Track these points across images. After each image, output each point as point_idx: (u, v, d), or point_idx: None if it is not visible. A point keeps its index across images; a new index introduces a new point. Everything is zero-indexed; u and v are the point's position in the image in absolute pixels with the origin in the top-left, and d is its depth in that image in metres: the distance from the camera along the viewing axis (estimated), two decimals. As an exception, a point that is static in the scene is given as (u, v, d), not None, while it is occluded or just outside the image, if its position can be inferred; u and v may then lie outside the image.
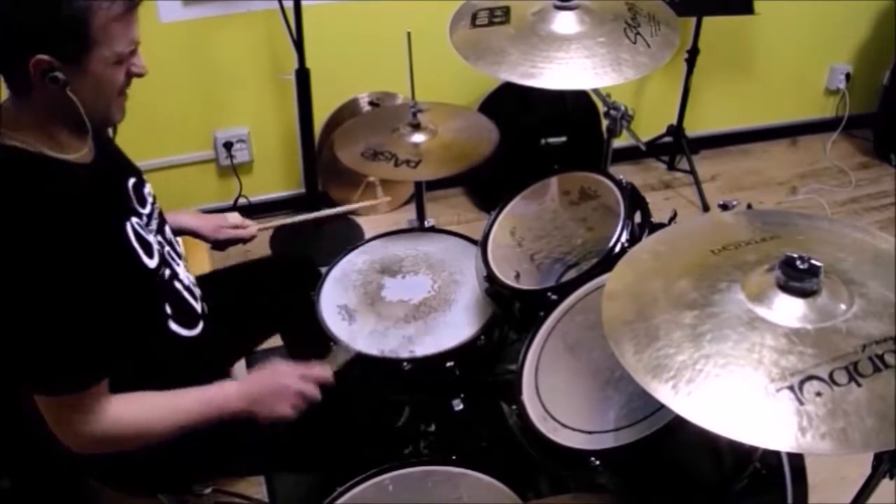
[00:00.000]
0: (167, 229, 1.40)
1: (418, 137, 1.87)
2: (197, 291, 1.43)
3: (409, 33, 1.80)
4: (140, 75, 1.18)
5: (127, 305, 1.18)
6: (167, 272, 1.30)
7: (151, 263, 1.24)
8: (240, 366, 1.74)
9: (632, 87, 3.07)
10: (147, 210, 1.33)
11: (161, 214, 1.39)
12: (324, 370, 1.36)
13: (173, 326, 1.31)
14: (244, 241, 1.70)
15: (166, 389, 1.24)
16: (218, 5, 2.47)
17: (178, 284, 1.35)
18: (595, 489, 1.31)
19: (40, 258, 1.06)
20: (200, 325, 1.39)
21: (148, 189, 1.37)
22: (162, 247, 1.32)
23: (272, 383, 1.31)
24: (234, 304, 1.61)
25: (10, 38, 1.05)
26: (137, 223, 1.24)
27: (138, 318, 1.23)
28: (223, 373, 1.57)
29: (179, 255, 1.42)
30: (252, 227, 1.70)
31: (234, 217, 1.70)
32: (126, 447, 1.21)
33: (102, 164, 1.23)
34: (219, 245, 1.68)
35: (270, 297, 1.68)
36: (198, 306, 1.41)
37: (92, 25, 1.06)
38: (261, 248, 2.69)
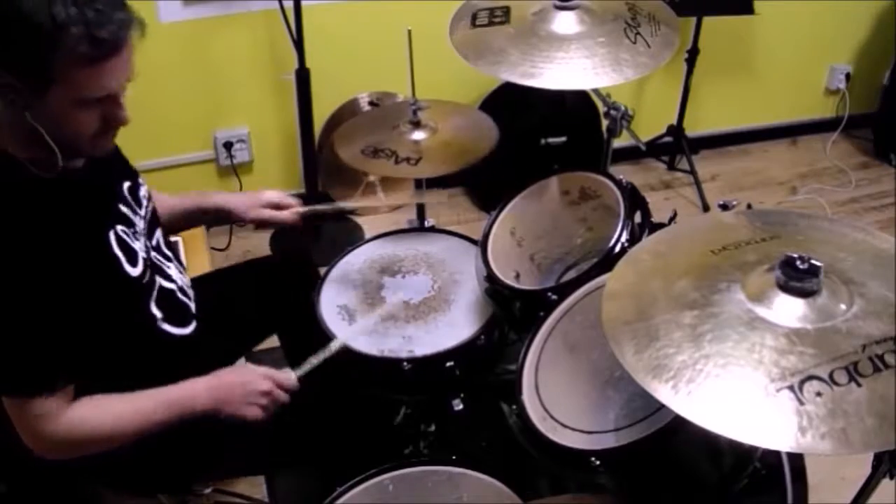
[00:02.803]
0: (158, 231, 1.40)
1: (418, 135, 1.87)
2: (190, 291, 1.43)
3: (409, 30, 1.80)
4: (119, 125, 1.15)
5: (103, 311, 1.18)
6: (154, 276, 1.30)
7: (134, 271, 1.23)
8: (240, 364, 1.74)
9: (632, 87, 3.07)
10: (142, 212, 1.32)
11: (154, 215, 1.39)
12: (288, 376, 1.34)
13: (164, 326, 1.31)
14: (285, 224, 1.57)
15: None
16: (218, 5, 2.47)
17: (168, 285, 1.34)
18: (595, 489, 1.32)
19: (3, 264, 1.06)
20: (193, 324, 1.39)
21: (143, 192, 1.36)
22: (149, 251, 1.31)
23: (239, 383, 1.30)
24: (233, 303, 1.61)
25: None
26: (123, 230, 1.23)
27: (119, 322, 1.23)
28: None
29: (171, 257, 1.41)
30: (294, 207, 1.55)
31: (272, 194, 1.55)
32: (90, 451, 1.21)
33: (92, 170, 1.22)
34: (258, 225, 1.58)
35: (269, 297, 1.68)
36: (191, 305, 1.41)
37: (53, 63, 1.02)
38: (261, 248, 2.70)
